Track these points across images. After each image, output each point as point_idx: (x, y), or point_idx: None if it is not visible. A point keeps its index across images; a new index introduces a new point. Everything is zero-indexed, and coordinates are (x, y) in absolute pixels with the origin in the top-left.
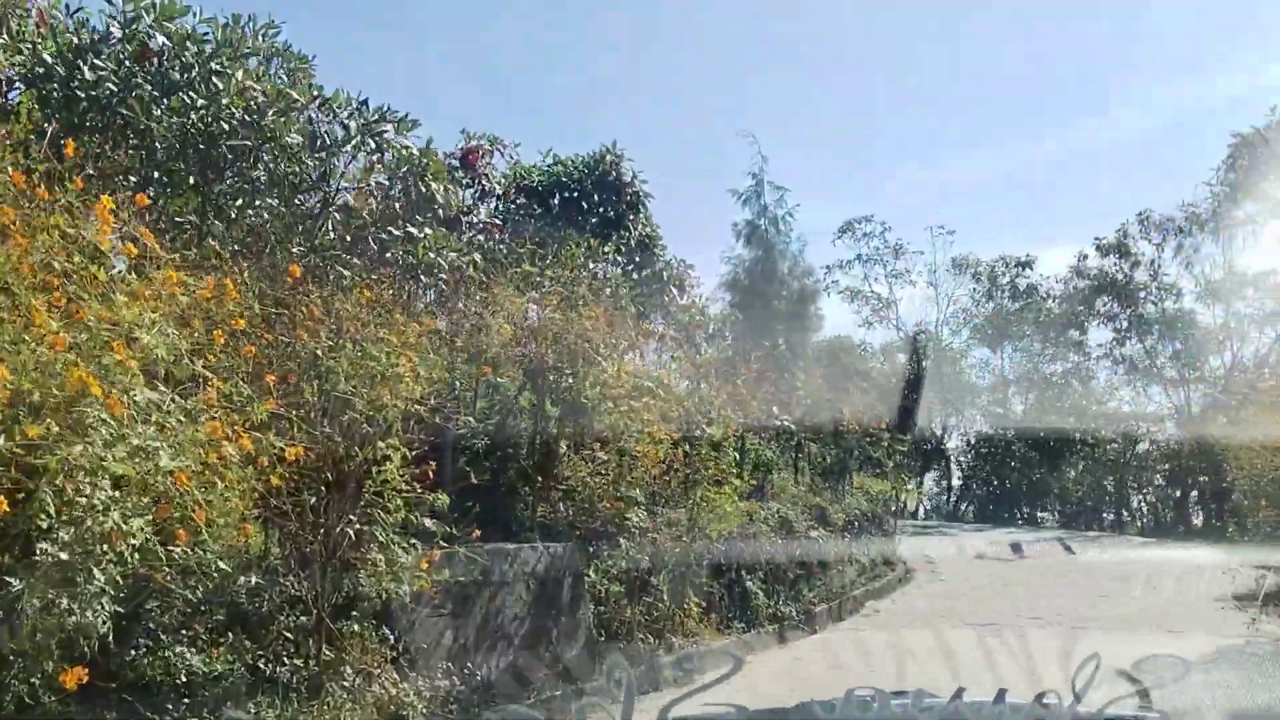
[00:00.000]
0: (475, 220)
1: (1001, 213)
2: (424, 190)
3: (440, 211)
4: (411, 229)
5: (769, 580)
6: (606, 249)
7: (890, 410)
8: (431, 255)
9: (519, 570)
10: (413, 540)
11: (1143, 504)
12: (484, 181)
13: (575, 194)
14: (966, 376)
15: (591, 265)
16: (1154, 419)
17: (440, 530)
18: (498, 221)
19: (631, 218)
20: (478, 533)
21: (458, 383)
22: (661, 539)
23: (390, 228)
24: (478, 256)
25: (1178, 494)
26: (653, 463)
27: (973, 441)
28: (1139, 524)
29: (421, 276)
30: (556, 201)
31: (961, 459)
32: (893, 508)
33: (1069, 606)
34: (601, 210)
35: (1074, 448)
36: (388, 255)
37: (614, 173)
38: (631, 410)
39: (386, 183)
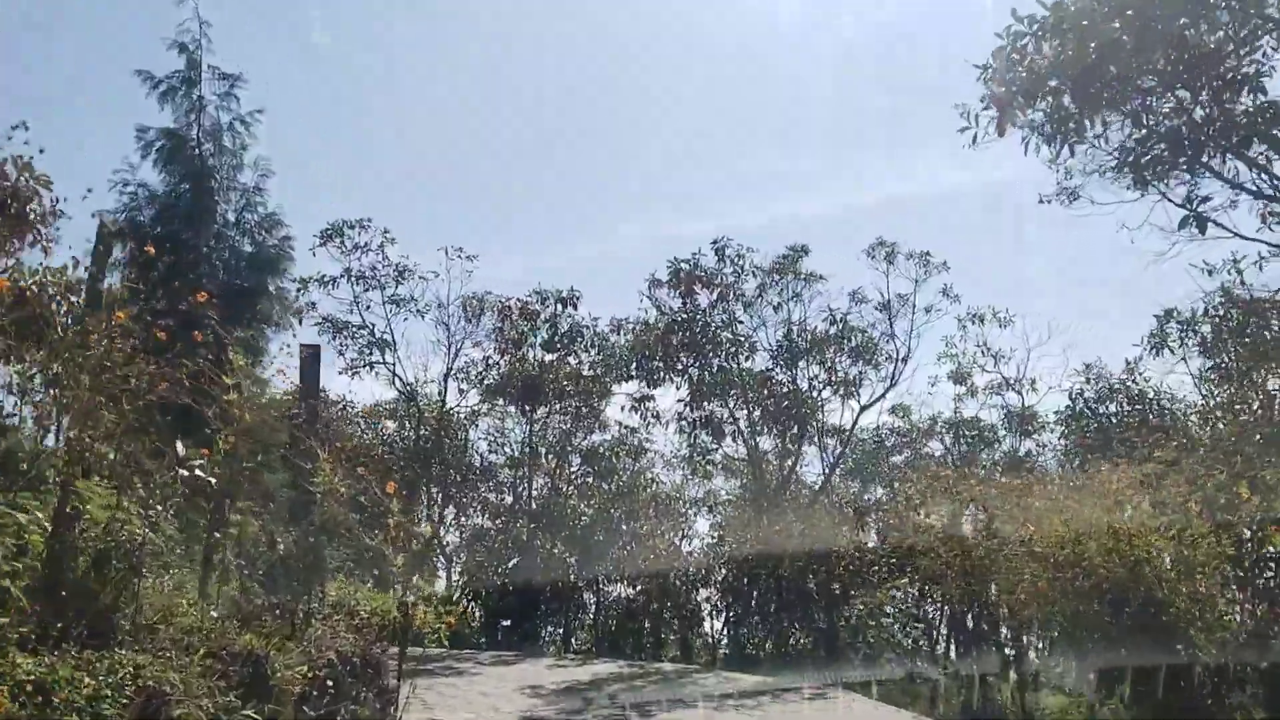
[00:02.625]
0: None
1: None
2: None
3: None
4: None
5: None
6: None
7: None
8: None
9: None
10: None
11: (713, 621)
12: None
13: None
14: (476, 449)
15: None
16: (729, 504)
17: None
18: None
19: None
20: None
21: None
22: None
23: None
24: None
25: (767, 607)
26: None
27: (480, 534)
28: (711, 650)
29: None
30: None
31: (462, 557)
32: (398, 638)
33: None
34: None
35: (619, 543)
36: None
37: None
38: None
39: None
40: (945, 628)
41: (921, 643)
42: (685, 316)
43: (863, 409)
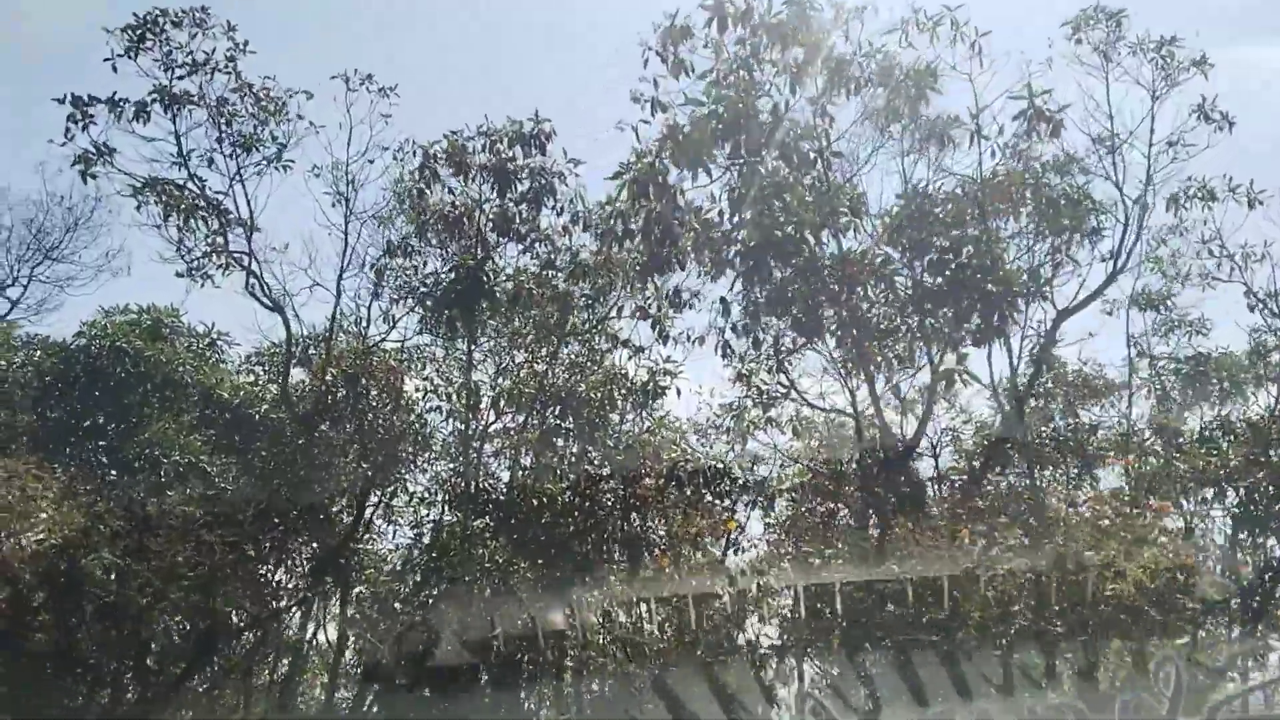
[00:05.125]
0: None
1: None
2: None
3: None
4: None
5: None
6: None
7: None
8: None
9: None
10: None
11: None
12: None
13: None
14: (419, 404)
15: None
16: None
17: None
18: None
19: None
20: None
21: None
22: None
23: None
24: None
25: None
26: None
27: (426, 535)
28: None
29: None
30: None
31: (396, 571)
32: None
33: None
34: None
35: (615, 555)
36: None
37: None
38: None
39: None
40: None
41: None
42: (739, 106)
43: (1062, 313)
